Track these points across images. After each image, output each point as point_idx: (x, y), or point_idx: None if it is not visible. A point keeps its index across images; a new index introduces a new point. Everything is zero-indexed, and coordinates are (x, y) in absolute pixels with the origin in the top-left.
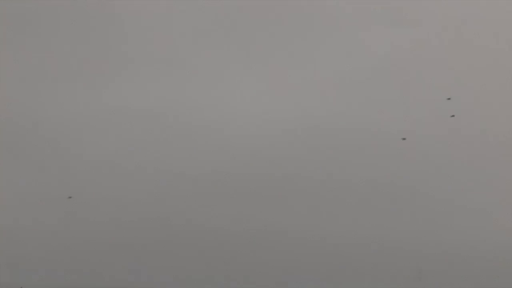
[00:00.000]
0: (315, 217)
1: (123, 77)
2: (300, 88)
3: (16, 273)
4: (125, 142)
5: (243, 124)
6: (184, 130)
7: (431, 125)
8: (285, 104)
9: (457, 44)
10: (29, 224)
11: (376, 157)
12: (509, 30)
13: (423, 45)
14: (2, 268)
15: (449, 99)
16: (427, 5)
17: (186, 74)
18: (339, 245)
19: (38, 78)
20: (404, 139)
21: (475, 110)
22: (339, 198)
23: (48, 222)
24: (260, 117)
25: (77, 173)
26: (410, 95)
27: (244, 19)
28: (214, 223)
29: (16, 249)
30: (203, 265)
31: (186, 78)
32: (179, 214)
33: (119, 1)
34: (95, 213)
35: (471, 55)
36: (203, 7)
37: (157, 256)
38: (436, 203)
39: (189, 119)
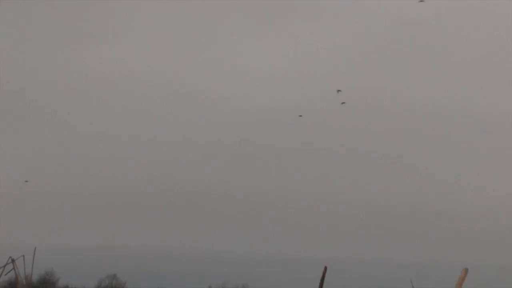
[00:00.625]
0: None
1: (127, 39)
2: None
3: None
4: (122, 108)
5: (252, 89)
6: (191, 94)
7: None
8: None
9: None
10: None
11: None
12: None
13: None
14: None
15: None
16: None
17: (192, 39)
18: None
19: (36, 41)
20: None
21: None
22: (348, 163)
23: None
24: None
25: (78, 140)
26: (426, 57)
27: None
28: (218, 186)
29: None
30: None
31: (192, 43)
32: (181, 178)
33: None
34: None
35: None
36: None
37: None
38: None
39: (195, 83)
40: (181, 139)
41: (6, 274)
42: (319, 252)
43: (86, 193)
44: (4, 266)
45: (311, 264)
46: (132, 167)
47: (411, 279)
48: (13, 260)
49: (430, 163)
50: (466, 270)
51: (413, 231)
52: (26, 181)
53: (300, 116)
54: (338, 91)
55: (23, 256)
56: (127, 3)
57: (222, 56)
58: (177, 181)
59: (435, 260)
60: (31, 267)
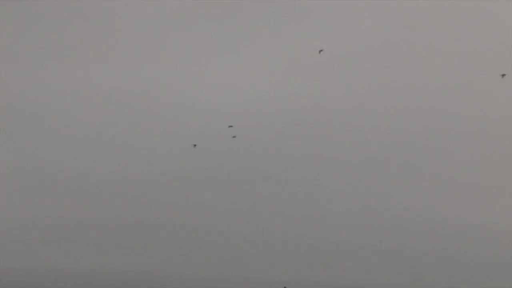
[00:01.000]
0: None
1: (116, 59)
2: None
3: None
4: (118, 129)
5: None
6: (172, 109)
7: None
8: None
9: None
10: (25, 205)
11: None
12: None
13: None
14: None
15: None
16: None
17: (171, 57)
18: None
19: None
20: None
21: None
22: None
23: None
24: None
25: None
26: (396, 71)
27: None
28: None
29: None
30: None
31: (171, 61)
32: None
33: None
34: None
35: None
36: None
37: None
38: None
39: (174, 99)
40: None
41: None
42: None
43: (80, 215)
44: None
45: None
46: (126, 189)
47: None
48: None
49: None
50: None
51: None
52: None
53: (234, 137)
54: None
55: None
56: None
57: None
58: (156, 196)
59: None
60: None
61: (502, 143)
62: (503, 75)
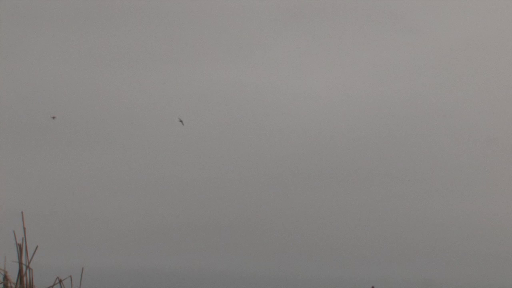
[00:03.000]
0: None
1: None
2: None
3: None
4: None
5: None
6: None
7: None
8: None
9: None
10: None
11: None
12: None
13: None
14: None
15: None
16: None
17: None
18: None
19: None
20: None
21: None
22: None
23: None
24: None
25: (128, 162)
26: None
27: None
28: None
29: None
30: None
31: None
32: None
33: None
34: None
35: None
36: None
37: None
38: None
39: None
40: (221, 161)
41: None
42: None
43: (134, 215)
44: (52, 286)
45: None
46: (185, 188)
47: None
48: (60, 281)
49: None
50: None
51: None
52: (54, 117)
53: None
54: None
55: (71, 276)
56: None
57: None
58: (229, 201)
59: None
60: (78, 287)
61: None
62: None
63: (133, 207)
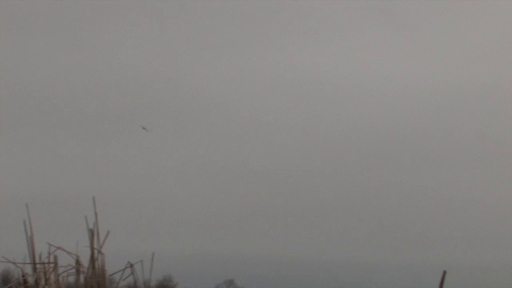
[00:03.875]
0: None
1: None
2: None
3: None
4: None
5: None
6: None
7: None
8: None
9: None
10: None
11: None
12: None
13: None
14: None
15: None
16: None
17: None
18: None
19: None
20: None
21: None
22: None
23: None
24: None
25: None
26: None
27: None
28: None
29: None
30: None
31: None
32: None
33: None
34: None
35: None
36: None
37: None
38: None
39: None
40: (309, 147)
41: (124, 279)
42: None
43: (204, 200)
44: (123, 270)
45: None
46: (253, 175)
47: None
48: (131, 265)
49: None
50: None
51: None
52: (144, 128)
53: None
54: None
55: (142, 261)
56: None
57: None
58: (296, 188)
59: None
60: (149, 272)
61: None
62: None
63: (204, 193)
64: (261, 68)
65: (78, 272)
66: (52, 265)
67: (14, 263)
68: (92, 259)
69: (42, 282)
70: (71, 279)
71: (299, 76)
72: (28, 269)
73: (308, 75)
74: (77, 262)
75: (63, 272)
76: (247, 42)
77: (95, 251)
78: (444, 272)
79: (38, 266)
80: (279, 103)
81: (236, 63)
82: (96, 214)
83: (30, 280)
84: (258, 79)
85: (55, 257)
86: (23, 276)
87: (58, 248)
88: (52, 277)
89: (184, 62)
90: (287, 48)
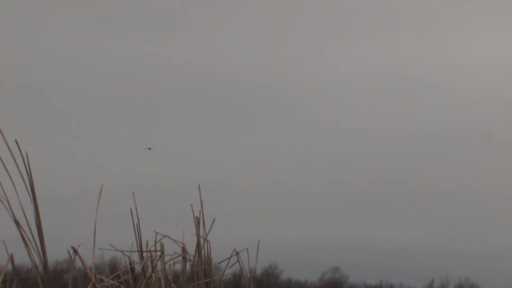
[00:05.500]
0: None
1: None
2: None
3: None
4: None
5: None
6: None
7: None
8: None
9: None
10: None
11: None
12: None
13: None
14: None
15: None
16: None
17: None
18: None
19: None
20: None
21: None
22: None
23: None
24: None
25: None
26: None
27: None
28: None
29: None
30: None
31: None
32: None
33: None
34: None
35: None
36: None
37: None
38: None
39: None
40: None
41: (230, 267)
42: None
43: (309, 188)
44: (229, 259)
45: None
46: (358, 163)
47: None
48: (237, 253)
49: None
50: None
51: None
52: (150, 148)
53: None
54: None
55: (247, 249)
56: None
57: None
58: (403, 175)
59: None
60: (255, 260)
61: None
62: None
63: (310, 181)
64: (362, 59)
65: (184, 260)
66: (158, 253)
67: (121, 251)
68: (198, 247)
69: (149, 269)
70: (177, 267)
71: (396, 67)
72: (135, 257)
73: (407, 67)
74: (183, 250)
75: (170, 260)
76: (348, 34)
77: (201, 239)
78: None
79: (145, 254)
80: (380, 94)
81: (338, 54)
82: (201, 202)
83: (137, 268)
84: (359, 70)
85: (162, 245)
86: (130, 264)
87: (165, 236)
88: (159, 265)
89: (292, 54)
90: (386, 41)
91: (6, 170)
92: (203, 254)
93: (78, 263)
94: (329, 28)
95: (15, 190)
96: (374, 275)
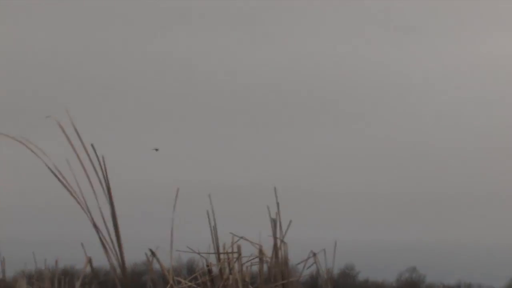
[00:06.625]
0: None
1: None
2: None
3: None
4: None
5: None
6: None
7: None
8: None
9: None
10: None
11: None
12: None
13: None
14: None
15: None
16: None
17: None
18: None
19: None
20: None
21: None
22: None
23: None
24: None
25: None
26: None
27: None
28: None
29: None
30: None
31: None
32: None
33: None
34: None
35: None
36: None
37: None
38: None
39: None
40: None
41: (308, 268)
42: None
43: (385, 189)
44: (306, 260)
45: None
46: (435, 161)
47: None
48: (314, 254)
49: None
50: None
51: None
52: (157, 149)
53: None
54: None
55: (324, 250)
56: None
57: None
58: (476, 175)
59: None
60: (332, 261)
61: None
62: None
63: (385, 181)
64: (457, 54)
65: (261, 261)
66: (235, 254)
67: (198, 253)
68: (275, 249)
69: (226, 271)
70: (254, 268)
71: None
72: (212, 259)
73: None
74: (260, 251)
75: (247, 261)
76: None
77: (278, 241)
78: None
79: (222, 256)
80: (476, 86)
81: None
82: (277, 204)
83: (214, 269)
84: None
85: (239, 247)
86: (207, 265)
87: (241, 238)
88: (236, 266)
89: (382, 49)
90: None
91: (86, 173)
92: (280, 256)
93: (156, 265)
94: (436, 25)
95: (94, 193)
96: (452, 275)
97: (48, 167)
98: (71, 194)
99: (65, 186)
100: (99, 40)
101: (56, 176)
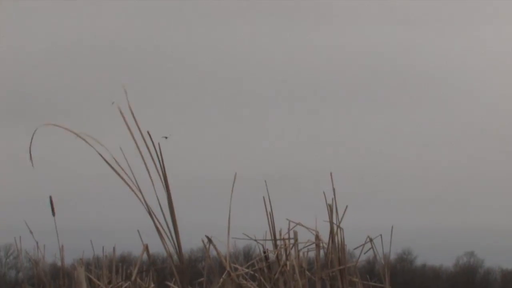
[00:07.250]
0: None
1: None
2: None
3: None
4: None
5: None
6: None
7: None
8: None
9: None
10: None
11: None
12: None
13: None
14: None
15: None
16: None
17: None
18: None
19: None
20: None
21: None
22: None
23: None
24: None
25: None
26: None
27: None
28: None
29: None
30: None
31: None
32: None
33: None
34: None
35: None
36: None
37: None
38: None
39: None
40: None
41: (365, 253)
42: None
43: (442, 171)
44: (363, 245)
45: None
46: (492, 143)
47: None
48: (371, 239)
49: None
50: None
51: None
52: (166, 137)
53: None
54: None
55: (381, 235)
56: None
57: None
58: None
59: None
60: (388, 246)
61: None
62: None
63: (443, 164)
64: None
65: (317, 247)
66: (292, 241)
67: (255, 240)
68: (332, 234)
69: (283, 257)
70: (311, 254)
71: None
72: (269, 245)
73: None
74: (317, 237)
75: (303, 247)
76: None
77: (335, 226)
78: None
79: (278, 242)
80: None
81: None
82: (334, 189)
83: (271, 256)
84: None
85: (295, 233)
86: (264, 252)
87: (298, 224)
88: (293, 252)
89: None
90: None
91: (144, 160)
92: (336, 241)
93: (213, 252)
94: (479, 10)
95: (151, 180)
96: (510, 259)
97: (100, 155)
98: (125, 182)
99: (118, 175)
100: (162, 30)
101: (109, 165)
